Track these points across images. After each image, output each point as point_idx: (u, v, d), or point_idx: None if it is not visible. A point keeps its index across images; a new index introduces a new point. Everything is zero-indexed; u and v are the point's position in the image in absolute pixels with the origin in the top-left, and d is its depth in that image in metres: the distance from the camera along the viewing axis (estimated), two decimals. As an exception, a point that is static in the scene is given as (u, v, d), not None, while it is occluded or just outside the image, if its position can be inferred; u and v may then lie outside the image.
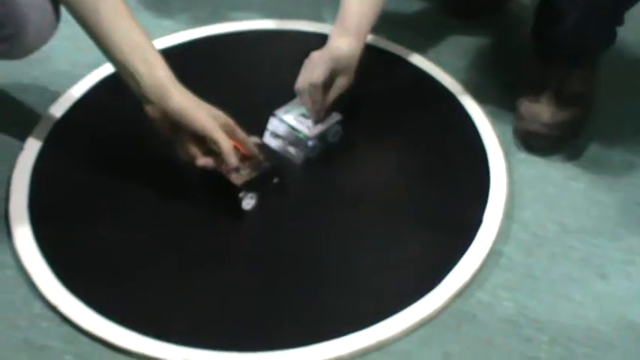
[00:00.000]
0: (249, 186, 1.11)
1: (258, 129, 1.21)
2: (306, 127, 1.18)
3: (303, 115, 1.20)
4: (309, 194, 1.17)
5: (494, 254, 1.10)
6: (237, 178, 1.11)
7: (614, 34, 1.22)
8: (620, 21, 1.20)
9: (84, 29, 1.05)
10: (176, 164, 1.18)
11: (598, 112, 1.30)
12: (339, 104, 1.20)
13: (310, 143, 1.18)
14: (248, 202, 1.12)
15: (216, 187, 1.13)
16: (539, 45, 1.26)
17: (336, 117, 1.21)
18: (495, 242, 1.10)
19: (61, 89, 1.33)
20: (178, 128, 1.06)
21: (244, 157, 1.11)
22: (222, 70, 1.37)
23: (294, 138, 1.19)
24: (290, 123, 1.19)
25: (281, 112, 1.20)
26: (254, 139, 1.14)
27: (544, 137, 1.22)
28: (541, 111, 1.22)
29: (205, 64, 1.38)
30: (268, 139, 1.21)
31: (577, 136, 1.26)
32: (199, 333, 0.99)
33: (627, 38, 1.43)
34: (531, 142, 1.24)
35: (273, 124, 1.20)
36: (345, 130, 1.23)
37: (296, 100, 1.21)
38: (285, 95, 1.23)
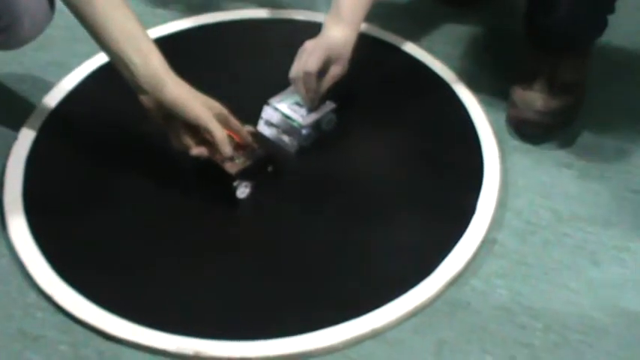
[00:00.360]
0: (243, 174, 1.11)
1: (252, 118, 1.21)
2: (300, 116, 1.18)
3: (297, 104, 1.20)
4: (303, 182, 1.17)
5: (488, 242, 1.10)
6: (231, 167, 1.11)
7: (605, 22, 1.22)
8: (611, 9, 1.20)
9: (78, 19, 1.05)
10: (170, 154, 1.18)
11: (590, 100, 1.30)
12: (332, 93, 1.20)
13: (304, 132, 1.18)
14: (242, 191, 1.12)
15: (211, 176, 1.13)
16: (531, 33, 1.26)
17: (330, 105, 1.21)
18: (489, 230, 1.11)
19: (55, 79, 1.32)
20: (172, 118, 1.06)
21: (239, 146, 1.11)
22: (216, 58, 1.37)
23: (288, 126, 1.19)
24: (284, 111, 1.19)
25: (275, 101, 1.20)
26: (248, 128, 1.14)
27: (537, 125, 1.23)
28: (534, 98, 1.22)
29: (199, 53, 1.38)
30: (262, 128, 1.21)
31: (570, 124, 1.26)
32: (193, 322, 0.99)
33: (618, 26, 1.43)
34: (524, 129, 1.24)
35: (267, 113, 1.20)
36: (340, 119, 1.23)
37: (290, 89, 1.21)
38: (279, 84, 1.23)
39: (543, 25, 1.22)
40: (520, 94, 1.24)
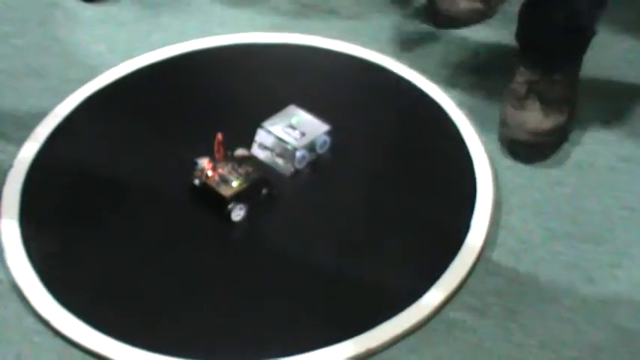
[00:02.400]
0: (238, 197, 1.12)
1: (247, 141, 1.22)
2: (293, 138, 1.19)
3: (291, 127, 1.21)
4: (297, 205, 1.18)
5: (482, 260, 1.10)
6: (225, 190, 1.12)
7: (588, 37, 1.25)
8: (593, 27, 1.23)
9: None
10: (165, 178, 1.19)
11: (582, 118, 1.31)
12: (326, 116, 1.21)
13: (298, 154, 1.19)
14: (237, 214, 1.13)
15: (206, 199, 1.14)
16: (523, 49, 1.27)
17: (324, 127, 1.22)
18: (483, 249, 1.11)
19: (50, 105, 1.33)
20: None
21: (242, 160, 1.12)
22: (210, 83, 1.38)
23: (282, 149, 1.20)
24: (277, 134, 1.20)
25: (268, 124, 1.21)
26: (242, 151, 1.15)
27: (529, 145, 1.24)
28: (526, 119, 1.23)
29: (194, 77, 1.39)
30: (256, 151, 1.22)
31: (561, 143, 1.27)
32: (190, 344, 0.99)
33: (610, 45, 1.45)
34: (516, 149, 1.25)
35: (261, 136, 1.21)
36: (333, 141, 1.24)
37: (284, 112, 1.23)
38: (272, 107, 1.24)
39: (535, 40, 1.23)
40: (512, 114, 1.25)
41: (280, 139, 1.20)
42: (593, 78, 1.38)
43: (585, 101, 1.33)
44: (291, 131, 1.20)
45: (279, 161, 1.21)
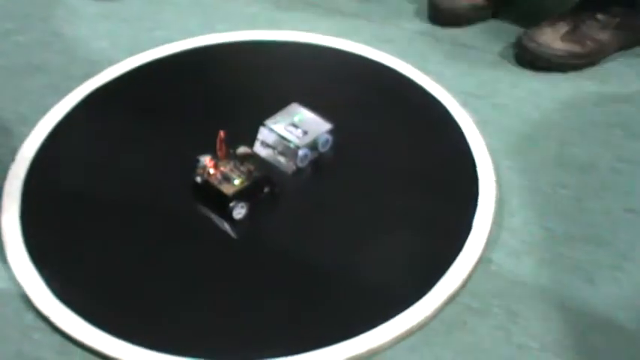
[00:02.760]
0: (239, 195, 1.12)
1: (249, 139, 1.22)
2: (296, 137, 1.19)
3: (293, 125, 1.20)
4: (299, 203, 1.18)
5: (483, 261, 1.10)
6: (227, 188, 1.12)
7: None
8: None
9: None
10: (167, 176, 1.19)
11: (585, 119, 1.31)
12: (329, 114, 1.21)
13: (300, 152, 1.19)
14: (239, 212, 1.13)
15: (207, 197, 1.14)
16: None
17: (326, 126, 1.22)
18: (485, 249, 1.11)
19: (52, 102, 1.33)
20: None
21: (244, 158, 1.12)
22: (212, 80, 1.38)
23: (284, 147, 1.20)
24: (280, 133, 1.20)
25: (271, 122, 1.21)
26: (244, 149, 1.15)
27: (549, 57, 1.30)
28: (552, 36, 1.30)
29: (197, 74, 1.39)
30: (258, 149, 1.22)
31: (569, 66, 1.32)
32: (191, 343, 0.99)
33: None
34: (522, 52, 1.32)
35: (264, 134, 1.21)
36: (336, 139, 1.23)
37: (286, 110, 1.22)
38: (275, 105, 1.24)
39: None
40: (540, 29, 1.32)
41: (282, 138, 1.19)
42: (596, 79, 1.38)
43: (587, 102, 1.32)
44: (294, 129, 1.20)
45: (282, 159, 1.20)
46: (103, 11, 1.55)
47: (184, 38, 1.47)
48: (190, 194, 1.16)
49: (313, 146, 1.21)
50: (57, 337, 1.01)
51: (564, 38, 1.34)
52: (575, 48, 1.35)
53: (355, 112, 1.31)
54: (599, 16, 1.36)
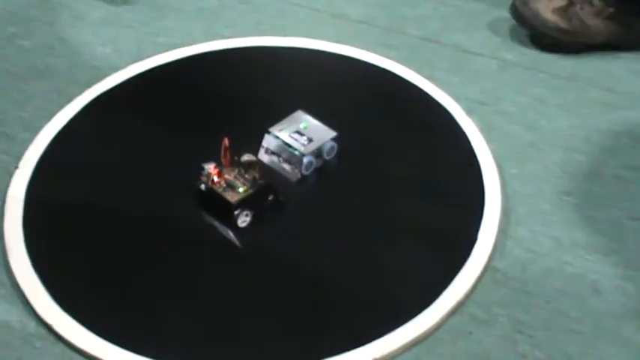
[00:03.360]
0: (244, 203, 1.11)
1: (253, 146, 1.21)
2: (301, 144, 1.19)
3: (298, 132, 1.20)
4: (304, 211, 1.17)
5: (489, 270, 1.10)
6: (232, 196, 1.11)
7: None
8: None
9: None
10: (172, 184, 1.19)
11: (590, 126, 1.31)
12: (334, 121, 1.20)
13: (305, 160, 1.18)
14: (243, 220, 1.12)
15: (212, 204, 1.13)
16: None
17: (331, 134, 1.21)
18: (490, 258, 1.10)
19: (56, 107, 1.33)
20: None
21: (248, 165, 1.12)
22: (217, 86, 1.37)
23: (289, 155, 1.19)
24: (285, 140, 1.19)
25: (276, 130, 1.21)
26: (249, 156, 1.14)
27: (536, 23, 1.32)
28: (545, 6, 1.33)
29: (201, 80, 1.38)
30: (263, 157, 1.21)
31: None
32: (194, 352, 0.99)
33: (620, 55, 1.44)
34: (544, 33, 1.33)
35: (268, 141, 1.21)
36: (341, 147, 1.23)
37: (291, 117, 1.22)
38: (280, 112, 1.24)
39: None
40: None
41: (287, 145, 1.19)
42: (601, 86, 1.37)
43: (592, 109, 1.32)
44: (299, 137, 1.19)
45: (286, 167, 1.20)
46: (107, 17, 1.55)
47: (188, 44, 1.47)
48: (194, 202, 1.15)
49: (318, 154, 1.20)
50: (59, 346, 1.00)
51: (555, 11, 1.36)
52: (562, 23, 1.36)
53: (360, 118, 1.30)
54: (595, 2, 1.36)
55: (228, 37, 1.49)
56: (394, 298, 1.05)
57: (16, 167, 1.22)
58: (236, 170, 1.14)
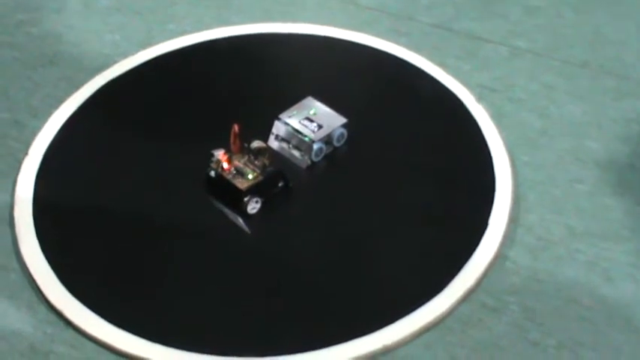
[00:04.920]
0: (254, 190, 1.11)
1: (263, 133, 1.21)
2: (310, 131, 1.18)
3: (308, 119, 1.20)
4: (314, 198, 1.17)
5: (499, 258, 1.09)
6: (242, 183, 1.11)
7: None
8: None
9: None
10: (181, 170, 1.19)
11: (603, 115, 1.30)
12: (344, 108, 1.20)
13: (315, 146, 1.18)
14: (253, 207, 1.12)
15: (221, 191, 1.13)
16: None
17: (341, 120, 1.21)
18: (501, 246, 1.10)
19: (65, 94, 1.33)
20: None
21: (258, 152, 1.12)
22: (227, 72, 1.37)
23: (298, 141, 1.19)
24: (295, 126, 1.19)
25: (285, 116, 1.20)
26: (259, 143, 1.14)
27: None
28: None
29: (211, 67, 1.38)
30: (273, 143, 1.21)
31: None
32: (205, 339, 0.99)
33: (630, 39, 1.43)
34: None
35: (278, 128, 1.20)
36: (351, 134, 1.22)
37: (301, 104, 1.21)
38: (290, 99, 1.23)
39: None
40: None
41: (297, 131, 1.18)
42: (614, 73, 1.36)
43: (605, 96, 1.31)
44: (309, 123, 1.19)
45: (296, 153, 1.19)
46: (116, 4, 1.54)
47: (198, 31, 1.46)
48: (203, 188, 1.15)
49: (328, 140, 1.20)
50: (70, 332, 1.01)
51: None
52: None
53: (370, 105, 1.30)
54: None
55: (237, 24, 1.48)
56: (404, 285, 1.05)
57: (26, 154, 1.22)
58: (246, 157, 1.14)
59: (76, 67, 1.39)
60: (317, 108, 1.22)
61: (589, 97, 1.34)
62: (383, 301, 1.03)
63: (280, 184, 1.14)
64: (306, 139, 1.18)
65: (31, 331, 1.01)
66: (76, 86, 1.34)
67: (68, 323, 1.01)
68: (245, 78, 1.36)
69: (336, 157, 1.21)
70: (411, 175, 1.20)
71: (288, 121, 1.20)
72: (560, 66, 1.40)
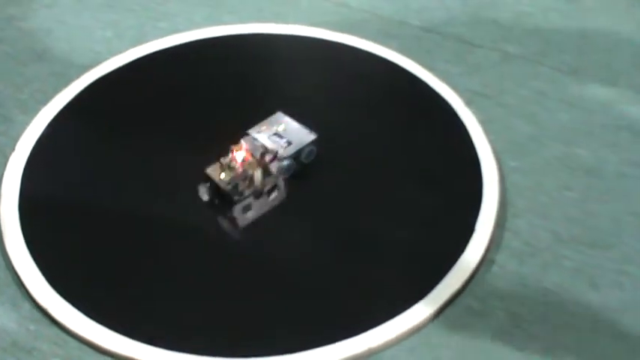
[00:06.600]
0: (245, 200, 1.10)
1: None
2: (279, 147, 1.16)
3: (277, 135, 1.18)
4: (301, 202, 1.16)
5: (486, 263, 1.09)
6: (233, 192, 1.10)
7: None
8: None
9: None
10: (169, 167, 1.18)
11: (592, 122, 1.30)
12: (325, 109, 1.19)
13: (284, 163, 1.16)
14: (245, 218, 1.11)
15: (214, 199, 1.12)
16: None
17: (310, 137, 1.18)
18: (487, 251, 1.10)
19: (54, 90, 1.32)
20: None
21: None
22: (217, 73, 1.37)
23: (267, 158, 1.15)
24: (263, 142, 1.16)
25: (254, 131, 1.18)
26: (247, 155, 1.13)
27: None
28: None
29: (200, 67, 1.37)
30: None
31: None
32: (188, 338, 0.98)
33: (621, 43, 1.44)
34: None
35: (247, 143, 1.16)
36: (337, 136, 1.22)
37: (270, 119, 1.20)
38: (281, 98, 1.23)
39: None
40: None
41: (266, 148, 1.15)
42: (603, 80, 1.36)
43: (594, 103, 1.31)
44: (278, 139, 1.17)
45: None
46: (107, 1, 1.54)
47: (190, 29, 1.46)
48: (193, 188, 1.15)
49: (297, 157, 1.17)
50: (54, 329, 1.00)
51: None
52: None
53: (359, 108, 1.29)
54: None
55: (229, 24, 1.48)
56: (390, 288, 1.05)
57: (13, 150, 1.21)
58: (237, 170, 1.12)
59: (67, 63, 1.39)
60: (287, 123, 1.19)
61: (578, 103, 1.34)
62: (368, 303, 1.03)
63: (273, 196, 1.13)
64: (275, 154, 1.15)
65: (14, 328, 1.00)
66: (66, 82, 1.34)
67: (52, 320, 1.00)
68: (233, 78, 1.35)
69: (324, 160, 1.21)
70: (398, 179, 1.20)
71: (257, 136, 1.17)
72: (550, 72, 1.40)
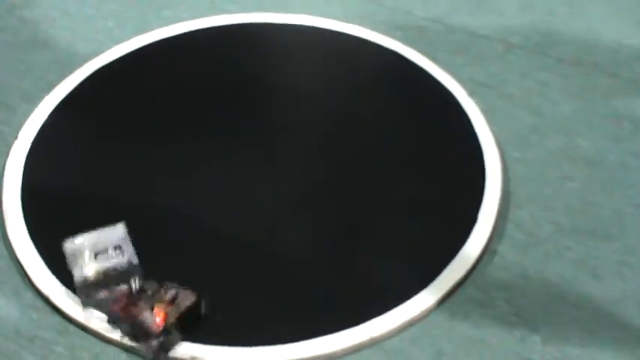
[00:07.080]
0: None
1: (257, 129, 1.20)
2: (120, 259, 1.01)
3: (104, 253, 1.03)
4: (303, 194, 1.16)
5: (488, 253, 1.09)
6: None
7: None
8: None
9: None
10: (170, 157, 1.18)
11: (594, 114, 1.30)
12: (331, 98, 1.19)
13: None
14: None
15: None
16: None
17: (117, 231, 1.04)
18: (489, 241, 1.10)
19: (57, 79, 1.32)
20: None
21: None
22: (219, 62, 1.36)
23: (118, 275, 1.00)
24: (106, 266, 1.01)
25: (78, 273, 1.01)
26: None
27: None
28: None
29: (203, 56, 1.37)
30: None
31: None
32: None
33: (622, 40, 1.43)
34: None
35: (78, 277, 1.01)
36: (343, 127, 1.22)
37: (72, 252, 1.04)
38: (284, 87, 1.22)
39: None
40: None
41: (111, 269, 1.02)
42: (607, 72, 1.36)
43: (596, 94, 1.31)
44: (112, 254, 1.03)
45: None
46: (110, -11, 1.54)
47: (193, 18, 1.46)
48: (195, 175, 1.15)
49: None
50: (56, 317, 1.00)
51: None
52: None
53: (361, 98, 1.29)
54: None
55: (232, 12, 1.48)
56: (393, 278, 1.05)
57: (15, 138, 1.21)
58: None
59: (69, 52, 1.38)
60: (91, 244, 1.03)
61: (581, 94, 1.34)
62: (371, 293, 1.03)
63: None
64: (126, 267, 1.00)
65: (17, 316, 1.00)
66: (68, 71, 1.33)
67: (55, 309, 1.01)
68: (238, 66, 1.35)
69: (326, 149, 1.21)
70: (400, 169, 1.20)
71: (88, 269, 1.00)
72: (554, 63, 1.40)
